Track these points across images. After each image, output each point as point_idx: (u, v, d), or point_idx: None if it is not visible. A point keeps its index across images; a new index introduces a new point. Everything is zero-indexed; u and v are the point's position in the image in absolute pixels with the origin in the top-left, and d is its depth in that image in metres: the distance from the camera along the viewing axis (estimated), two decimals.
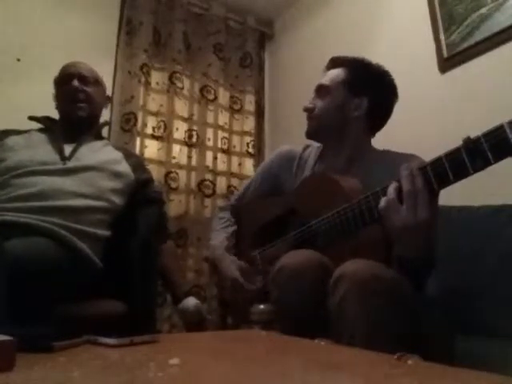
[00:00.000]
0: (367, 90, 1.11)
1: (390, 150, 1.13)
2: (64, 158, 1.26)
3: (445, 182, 0.71)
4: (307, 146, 1.28)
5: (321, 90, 1.17)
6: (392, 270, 0.83)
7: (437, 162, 0.72)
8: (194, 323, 1.30)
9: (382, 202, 0.77)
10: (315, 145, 1.26)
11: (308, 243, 1.01)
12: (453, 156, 0.69)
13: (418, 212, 0.72)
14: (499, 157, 0.63)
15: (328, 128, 1.15)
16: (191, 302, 1.31)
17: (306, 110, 1.18)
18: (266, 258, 1.14)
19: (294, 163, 1.24)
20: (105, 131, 1.69)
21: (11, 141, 1.28)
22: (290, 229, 1.11)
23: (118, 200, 1.31)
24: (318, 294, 0.84)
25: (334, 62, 1.20)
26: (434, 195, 0.75)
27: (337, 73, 1.16)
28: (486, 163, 0.65)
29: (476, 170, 0.67)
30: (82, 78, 1.35)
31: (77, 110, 1.34)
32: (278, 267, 0.90)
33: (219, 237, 1.30)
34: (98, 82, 1.40)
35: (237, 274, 1.16)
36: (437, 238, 0.86)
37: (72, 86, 1.33)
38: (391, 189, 0.76)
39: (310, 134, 1.19)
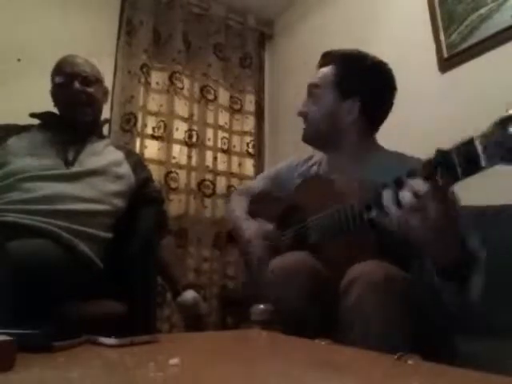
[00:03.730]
0: (358, 88, 1.07)
1: (399, 151, 1.09)
2: (68, 163, 1.25)
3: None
4: (312, 155, 1.27)
5: (311, 91, 1.14)
6: (402, 271, 0.83)
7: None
8: (192, 317, 1.30)
9: (389, 219, 0.70)
10: (320, 152, 1.25)
11: (303, 242, 1.02)
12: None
13: (428, 217, 0.66)
14: (467, 174, 0.60)
15: (323, 135, 1.12)
16: (189, 295, 1.30)
17: (300, 114, 1.15)
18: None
19: (299, 168, 1.24)
20: (105, 131, 1.69)
21: (14, 144, 1.26)
22: (291, 226, 1.11)
23: (120, 202, 1.31)
24: (309, 295, 0.85)
25: (326, 58, 1.15)
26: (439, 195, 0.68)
27: (326, 72, 1.12)
28: (455, 178, 0.62)
29: (446, 184, 0.64)
30: (83, 79, 1.31)
31: (81, 114, 1.31)
32: (271, 269, 0.91)
33: (240, 210, 1.29)
34: (98, 80, 1.37)
35: (253, 237, 1.15)
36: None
37: (73, 88, 1.29)
38: (390, 199, 0.70)
39: (306, 140, 1.17)
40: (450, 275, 0.75)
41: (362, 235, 0.89)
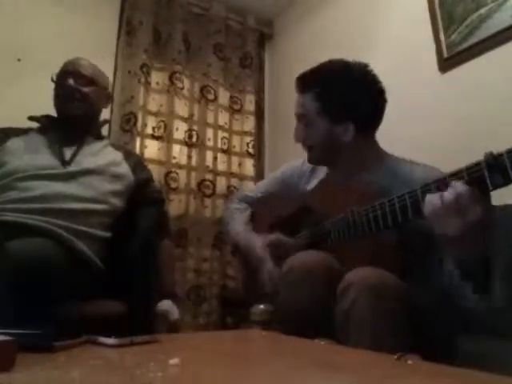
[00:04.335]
0: (349, 112, 1.02)
1: (398, 156, 1.09)
2: (64, 163, 1.26)
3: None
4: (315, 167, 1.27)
5: (301, 120, 1.11)
6: (398, 278, 0.83)
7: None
8: (163, 327, 1.30)
9: (429, 209, 0.71)
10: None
11: (320, 243, 1.01)
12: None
13: (468, 220, 0.67)
14: None
15: (326, 157, 1.11)
16: (163, 306, 1.30)
17: (298, 142, 1.14)
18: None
19: (307, 171, 1.23)
20: (105, 131, 1.69)
21: (12, 145, 1.27)
22: (304, 227, 1.11)
23: (118, 202, 1.31)
24: (327, 294, 0.85)
25: (304, 83, 1.10)
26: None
27: (310, 101, 1.07)
28: (507, 181, 0.64)
29: (495, 186, 0.66)
30: (79, 77, 1.33)
31: (72, 108, 1.33)
32: (288, 268, 0.90)
33: (239, 224, 1.29)
34: (95, 82, 1.38)
35: (263, 254, 1.14)
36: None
37: (67, 84, 1.32)
38: (436, 197, 0.70)
39: (313, 163, 1.18)
40: (470, 276, 0.75)
41: (383, 235, 0.89)
